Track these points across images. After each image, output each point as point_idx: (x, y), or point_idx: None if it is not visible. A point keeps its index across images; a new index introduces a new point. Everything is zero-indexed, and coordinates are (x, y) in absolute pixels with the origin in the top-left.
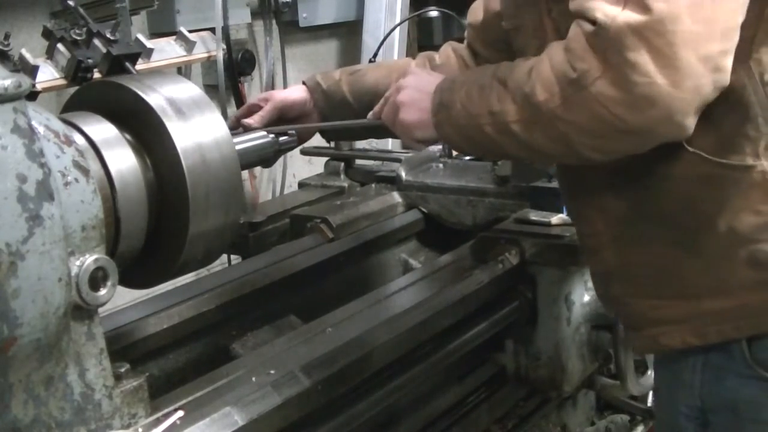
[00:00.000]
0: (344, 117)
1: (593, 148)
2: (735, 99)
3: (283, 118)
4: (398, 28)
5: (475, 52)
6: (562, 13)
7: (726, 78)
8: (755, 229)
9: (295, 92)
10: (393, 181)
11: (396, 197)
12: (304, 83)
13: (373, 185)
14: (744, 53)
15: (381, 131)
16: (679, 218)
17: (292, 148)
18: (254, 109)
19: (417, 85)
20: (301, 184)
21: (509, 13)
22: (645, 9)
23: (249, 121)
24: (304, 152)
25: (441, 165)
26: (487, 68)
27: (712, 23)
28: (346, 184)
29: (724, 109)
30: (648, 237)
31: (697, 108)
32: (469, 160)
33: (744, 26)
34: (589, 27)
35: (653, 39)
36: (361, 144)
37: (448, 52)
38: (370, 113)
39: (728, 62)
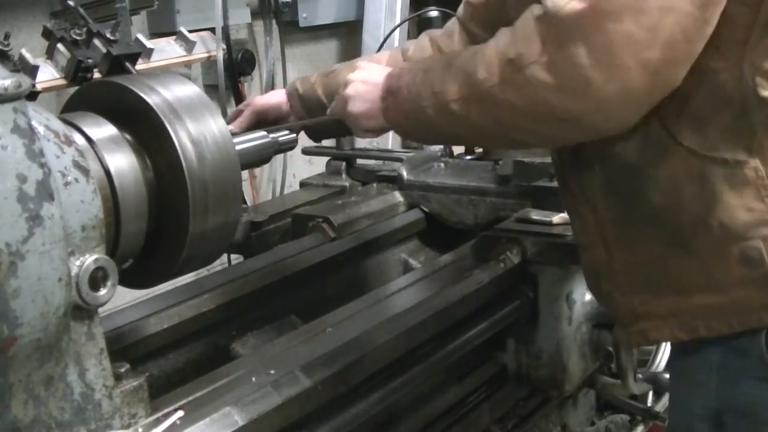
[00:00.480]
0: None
1: (527, 131)
2: (728, 98)
3: (262, 121)
4: (398, 28)
5: (469, 32)
6: None
7: (670, 83)
8: (747, 227)
9: (274, 96)
10: (394, 181)
11: (397, 197)
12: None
13: (375, 185)
14: (738, 56)
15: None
16: (671, 215)
17: (291, 148)
18: (238, 115)
19: (363, 78)
20: (303, 184)
21: (512, 3)
22: (589, 3)
23: (230, 128)
24: (305, 152)
25: (442, 164)
26: (437, 56)
27: (656, 32)
28: (347, 184)
29: (718, 108)
30: (640, 233)
31: (631, 105)
32: (471, 159)
33: (736, 30)
34: (538, 11)
35: (592, 33)
36: (362, 143)
37: (424, 42)
38: (329, 109)
39: (674, 70)
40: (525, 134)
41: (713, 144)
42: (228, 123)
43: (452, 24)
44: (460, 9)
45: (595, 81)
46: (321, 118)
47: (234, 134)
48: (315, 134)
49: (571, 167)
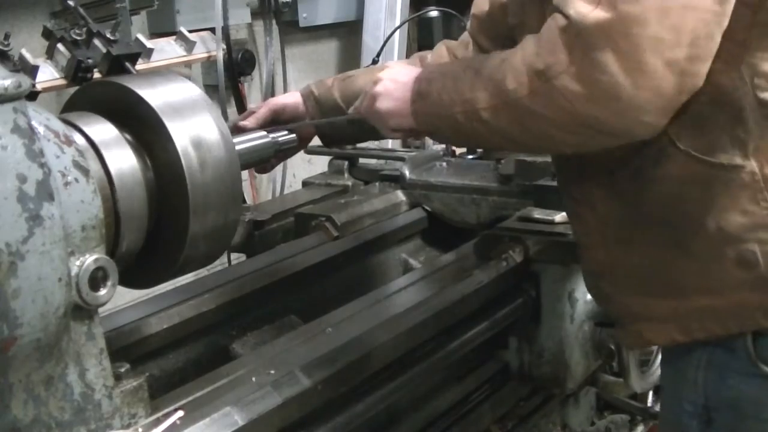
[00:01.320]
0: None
1: (557, 140)
2: (726, 101)
3: (276, 120)
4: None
5: (478, 45)
6: None
7: (696, 82)
8: (743, 229)
9: (289, 97)
10: (396, 180)
11: (400, 195)
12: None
13: (377, 184)
14: (736, 57)
15: (365, 127)
16: (669, 218)
17: (291, 149)
18: (250, 115)
19: (392, 77)
20: (305, 183)
21: (515, 9)
22: (614, 10)
23: (244, 123)
24: (307, 151)
25: (444, 164)
26: (465, 60)
27: (680, 31)
28: (349, 183)
29: (715, 111)
30: (638, 236)
31: (661, 108)
32: (473, 158)
33: (736, 31)
34: (562, 21)
35: (619, 40)
36: (363, 143)
37: (442, 50)
38: (352, 108)
39: (699, 68)
40: (555, 143)
41: (711, 148)
42: (242, 120)
43: (466, 35)
44: (469, 23)
45: (625, 87)
46: (341, 117)
47: (238, 131)
48: (329, 139)
49: (571, 170)
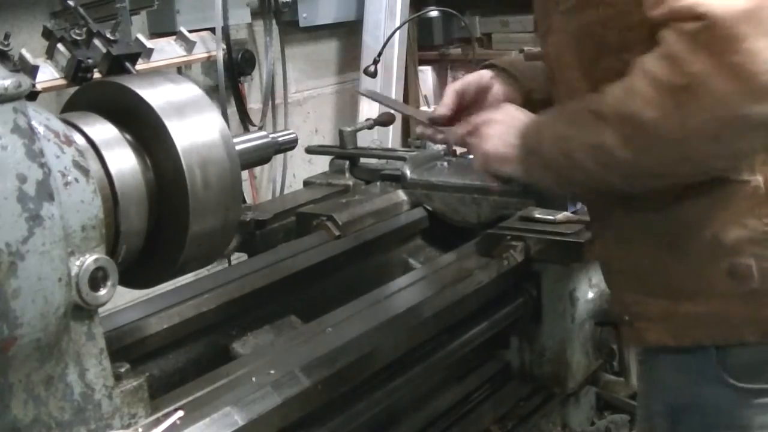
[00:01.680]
0: (533, 74)
1: (715, 154)
2: None
3: (464, 97)
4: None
5: None
6: (570, 11)
7: None
8: (739, 242)
9: (471, 75)
10: (398, 179)
11: (401, 195)
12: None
13: (378, 183)
14: None
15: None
16: (666, 223)
17: (291, 148)
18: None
19: (505, 120)
20: (306, 183)
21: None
22: None
23: (439, 112)
24: (308, 151)
25: (445, 163)
26: (572, 106)
27: None
28: (350, 182)
29: None
30: (635, 235)
31: None
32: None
33: None
34: (690, 26)
35: (765, 23)
36: (365, 142)
37: None
38: (456, 131)
39: None
40: (711, 159)
41: None
42: (435, 114)
43: None
44: None
45: None
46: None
47: (433, 123)
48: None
49: None
